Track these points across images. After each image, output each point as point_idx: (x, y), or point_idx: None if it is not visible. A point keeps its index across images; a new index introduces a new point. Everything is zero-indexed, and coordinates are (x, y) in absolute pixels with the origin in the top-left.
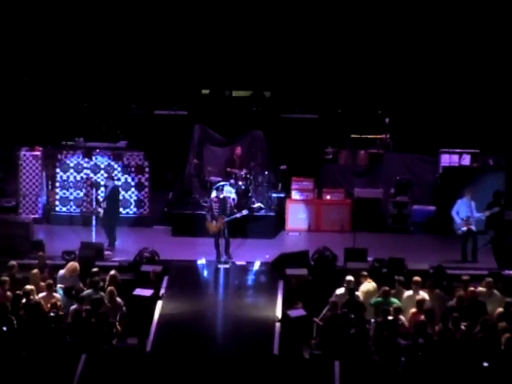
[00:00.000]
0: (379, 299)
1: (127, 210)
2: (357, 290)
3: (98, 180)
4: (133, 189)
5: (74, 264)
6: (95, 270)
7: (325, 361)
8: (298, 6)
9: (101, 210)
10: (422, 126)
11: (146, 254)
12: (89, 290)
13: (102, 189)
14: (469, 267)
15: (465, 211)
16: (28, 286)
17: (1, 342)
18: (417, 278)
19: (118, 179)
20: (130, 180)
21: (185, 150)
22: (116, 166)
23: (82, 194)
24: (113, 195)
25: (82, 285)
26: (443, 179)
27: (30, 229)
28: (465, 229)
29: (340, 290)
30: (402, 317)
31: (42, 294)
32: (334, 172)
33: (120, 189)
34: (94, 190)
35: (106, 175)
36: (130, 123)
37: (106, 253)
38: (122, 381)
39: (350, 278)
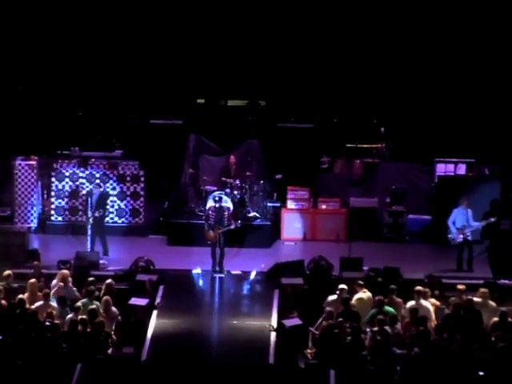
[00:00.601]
0: (374, 311)
1: (122, 219)
2: (351, 300)
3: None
4: (128, 198)
5: (62, 272)
6: (91, 279)
7: (320, 370)
8: (293, 15)
9: (90, 219)
10: (417, 135)
11: (142, 263)
12: (84, 300)
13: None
14: (464, 276)
15: (461, 220)
16: (21, 296)
17: None
18: (419, 288)
19: (114, 188)
20: (125, 189)
21: (180, 159)
22: (111, 176)
23: (77, 204)
24: (102, 202)
25: (77, 294)
26: (439, 188)
27: (25, 238)
28: (460, 239)
29: (332, 297)
30: (397, 326)
31: (38, 304)
32: (329, 181)
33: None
34: (89, 199)
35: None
36: (125, 132)
37: (102, 262)
38: None
39: (342, 286)
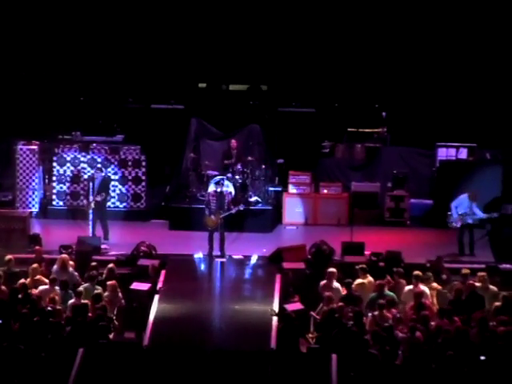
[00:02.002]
0: (374, 295)
1: (124, 204)
2: (353, 284)
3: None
4: (130, 183)
5: (62, 256)
6: (94, 263)
7: (322, 355)
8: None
9: (92, 204)
10: (419, 119)
11: (143, 248)
12: (86, 284)
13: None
14: (466, 261)
15: (463, 208)
16: (22, 280)
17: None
18: (417, 272)
19: (115, 173)
20: (126, 174)
21: (181, 143)
22: (113, 160)
23: (78, 188)
24: (104, 186)
25: (79, 279)
26: (440, 173)
27: (27, 223)
28: (459, 224)
29: (323, 282)
30: (394, 310)
31: (42, 288)
32: (331, 166)
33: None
34: (91, 183)
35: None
36: (126, 117)
37: (103, 247)
38: (119, 375)
39: (332, 269)
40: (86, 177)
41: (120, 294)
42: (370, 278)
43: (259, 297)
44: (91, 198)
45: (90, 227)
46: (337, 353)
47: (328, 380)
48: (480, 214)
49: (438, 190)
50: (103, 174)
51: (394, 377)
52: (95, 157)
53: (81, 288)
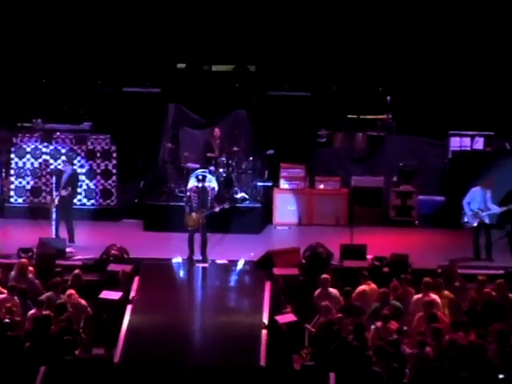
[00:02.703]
0: (377, 304)
1: (92, 201)
2: (353, 293)
3: (59, 167)
4: (98, 177)
5: (21, 261)
6: (58, 269)
7: (318, 373)
8: None
9: (56, 200)
10: (428, 104)
11: (114, 251)
12: (49, 293)
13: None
14: (482, 266)
15: (477, 202)
16: None
17: None
18: (427, 279)
19: (82, 166)
20: (95, 167)
21: (158, 132)
22: (79, 151)
23: (40, 183)
24: (72, 182)
25: (41, 287)
26: (453, 165)
27: None
28: (475, 223)
29: (318, 291)
30: (393, 322)
31: None
32: (328, 157)
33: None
34: (54, 178)
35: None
36: (94, 102)
37: (68, 250)
38: None
39: (325, 276)
40: (50, 169)
41: (84, 303)
42: (372, 286)
43: (246, 307)
44: (55, 193)
45: (54, 228)
46: (335, 371)
47: None
48: (495, 209)
49: (451, 185)
50: (73, 167)
51: None
52: (59, 147)
53: (43, 297)
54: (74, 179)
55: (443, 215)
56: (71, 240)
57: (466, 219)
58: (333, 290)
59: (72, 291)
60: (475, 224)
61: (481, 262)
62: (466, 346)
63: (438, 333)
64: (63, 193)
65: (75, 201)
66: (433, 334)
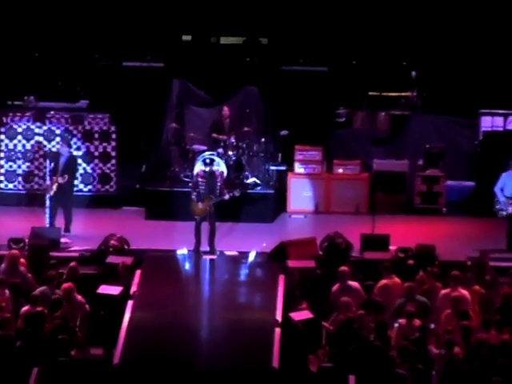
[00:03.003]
0: (402, 300)
1: (89, 186)
2: (374, 287)
3: (53, 149)
4: (96, 160)
5: (12, 253)
6: (53, 262)
7: (337, 375)
8: None
9: (54, 187)
10: (457, 80)
11: (113, 241)
12: (43, 288)
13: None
14: None
15: (511, 188)
16: None
17: None
18: (455, 272)
19: (78, 148)
20: (92, 150)
21: (161, 111)
22: (75, 132)
23: (32, 167)
24: (70, 166)
25: (33, 281)
26: (484, 148)
27: None
28: (510, 210)
29: (336, 286)
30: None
31: None
32: (347, 139)
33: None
34: (48, 161)
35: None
36: (92, 78)
37: (63, 241)
38: None
39: (343, 268)
40: (45, 152)
41: (80, 299)
42: (396, 280)
43: (258, 303)
44: (48, 179)
45: (47, 216)
46: (355, 373)
47: None
48: None
49: (482, 170)
50: (71, 150)
51: None
52: (53, 128)
53: (36, 292)
54: (72, 164)
55: (473, 202)
56: (67, 229)
57: (499, 207)
58: (353, 284)
59: (70, 285)
60: (510, 211)
61: None
62: (499, 345)
63: (467, 331)
64: (60, 180)
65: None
66: (462, 332)
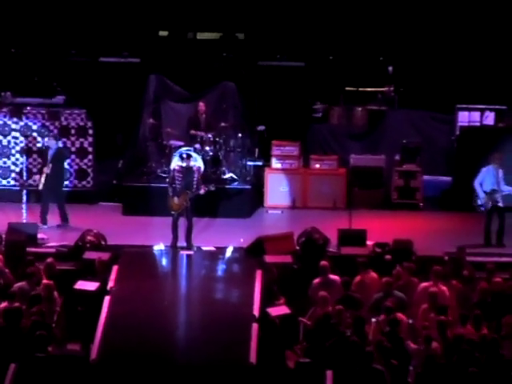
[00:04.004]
0: (379, 295)
1: (66, 182)
2: (351, 283)
3: (30, 145)
4: (73, 156)
5: None
6: (30, 258)
7: (314, 371)
8: None
9: (42, 179)
10: (434, 75)
11: (90, 237)
12: (20, 283)
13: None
14: (493, 253)
15: (490, 183)
16: None
17: None
18: (437, 268)
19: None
20: (69, 145)
21: (137, 107)
22: (52, 128)
23: (9, 163)
24: (57, 158)
25: (10, 277)
26: (461, 143)
27: None
28: (489, 205)
29: (317, 280)
30: (400, 314)
31: None
32: (324, 134)
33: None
34: (25, 157)
35: (45, 136)
36: (68, 74)
37: (40, 236)
38: None
39: (324, 262)
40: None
41: (57, 296)
42: (372, 275)
43: (235, 299)
44: (42, 171)
45: (24, 211)
46: (333, 368)
47: None
48: (509, 190)
49: (459, 165)
50: (58, 144)
51: None
52: (30, 123)
53: (14, 288)
54: (58, 156)
55: (450, 197)
56: (65, 221)
57: (479, 202)
58: (334, 277)
59: (50, 282)
60: (489, 206)
61: (491, 248)
62: (477, 340)
63: (443, 326)
64: (46, 170)
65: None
66: (438, 327)
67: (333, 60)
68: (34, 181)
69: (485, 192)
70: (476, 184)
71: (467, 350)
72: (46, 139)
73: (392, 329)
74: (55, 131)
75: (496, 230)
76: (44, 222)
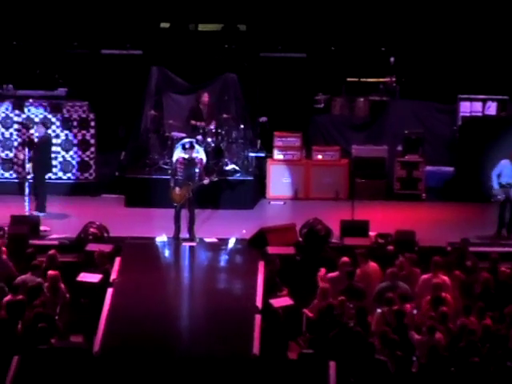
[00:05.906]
0: (382, 285)
1: (68, 174)
2: (355, 273)
3: (33, 137)
4: (75, 148)
5: None
6: (30, 250)
7: (317, 362)
8: None
9: (30, 165)
10: (436, 66)
11: (93, 229)
12: (25, 276)
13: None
14: (499, 243)
15: (508, 176)
16: None
17: None
18: (436, 258)
19: (57, 136)
20: (71, 137)
21: (140, 98)
22: (54, 120)
23: (11, 155)
24: (43, 146)
25: (14, 269)
26: (463, 133)
27: None
28: (503, 197)
29: (333, 274)
30: (408, 305)
31: None
32: (326, 125)
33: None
34: (27, 149)
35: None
36: (70, 66)
37: (42, 228)
38: None
39: (345, 259)
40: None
41: (63, 287)
42: (373, 265)
43: (238, 290)
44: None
45: (26, 203)
46: (336, 359)
47: None
48: None
49: (461, 155)
50: (46, 131)
51: None
52: (32, 116)
53: (18, 281)
54: (43, 141)
55: (453, 188)
56: (40, 209)
57: (494, 192)
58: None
59: (56, 273)
60: (502, 197)
61: (501, 239)
62: (480, 331)
63: (446, 317)
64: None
65: (50, 174)
66: (442, 318)
67: (334, 51)
68: (19, 173)
69: (500, 184)
70: (494, 174)
71: (471, 341)
72: (34, 127)
73: (398, 320)
74: (57, 123)
75: (507, 221)
76: (42, 209)
